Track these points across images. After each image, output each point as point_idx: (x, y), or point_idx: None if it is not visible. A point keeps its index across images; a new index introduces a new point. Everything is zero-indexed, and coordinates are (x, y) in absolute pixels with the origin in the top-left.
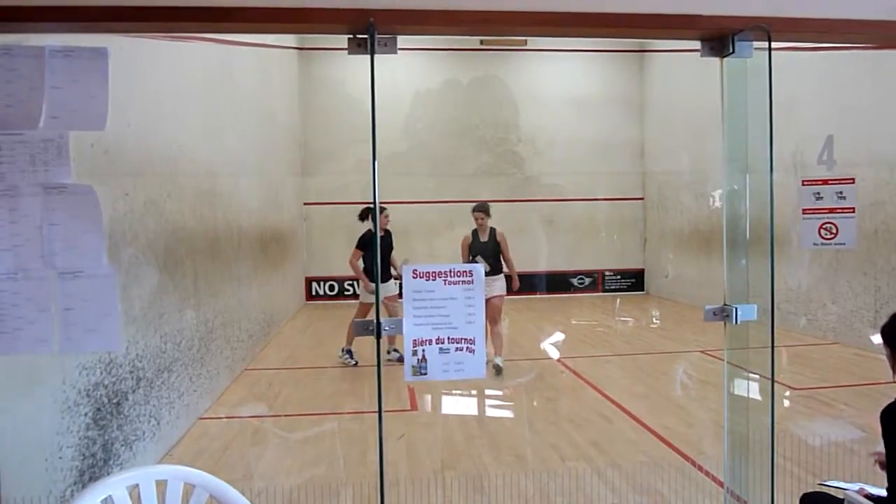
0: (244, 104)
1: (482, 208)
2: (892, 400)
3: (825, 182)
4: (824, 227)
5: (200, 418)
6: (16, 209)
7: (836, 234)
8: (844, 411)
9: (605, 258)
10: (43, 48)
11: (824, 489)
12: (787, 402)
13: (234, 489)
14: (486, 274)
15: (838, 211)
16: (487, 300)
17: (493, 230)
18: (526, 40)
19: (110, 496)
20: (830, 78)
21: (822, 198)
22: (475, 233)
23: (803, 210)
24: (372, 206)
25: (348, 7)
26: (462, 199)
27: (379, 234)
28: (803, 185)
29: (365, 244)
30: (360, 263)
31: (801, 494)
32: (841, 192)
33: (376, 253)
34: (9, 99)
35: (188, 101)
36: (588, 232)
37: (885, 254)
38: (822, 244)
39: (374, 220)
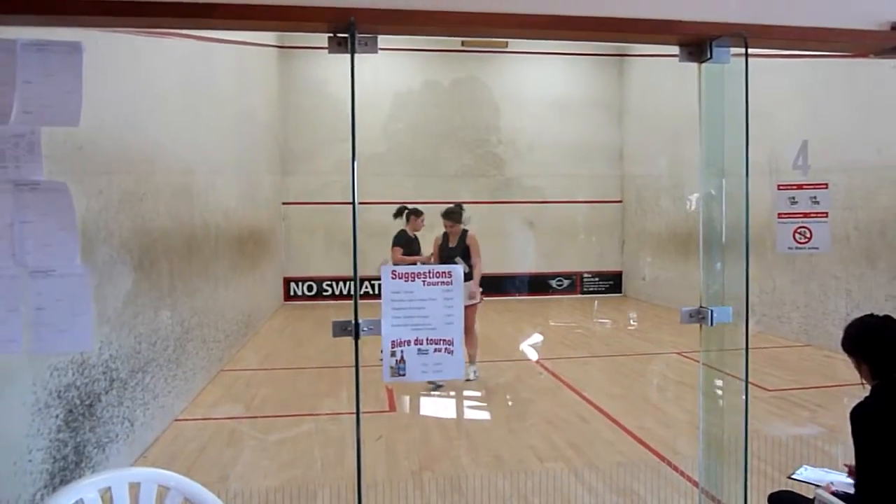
0: (223, 102)
1: (448, 215)
2: (861, 399)
3: (800, 187)
4: (798, 231)
5: (176, 420)
6: None
7: (810, 239)
8: (816, 412)
9: (584, 260)
10: (15, 41)
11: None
12: (760, 404)
13: (210, 492)
14: None
15: (812, 216)
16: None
17: (464, 233)
18: (507, 42)
19: (81, 499)
20: (805, 84)
21: (796, 202)
22: (445, 236)
23: (779, 214)
24: (406, 206)
25: (329, 5)
26: (442, 200)
27: (411, 236)
28: (779, 189)
29: (402, 242)
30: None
31: (768, 494)
32: (815, 197)
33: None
34: None
35: (166, 98)
36: (567, 234)
37: (856, 258)
38: (797, 248)
39: (354, 219)
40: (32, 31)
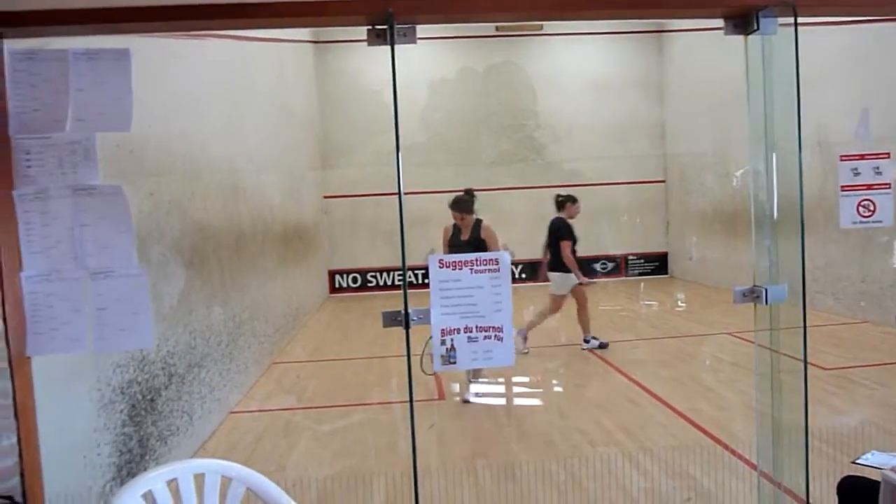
0: (262, 100)
1: (457, 205)
2: None
3: (862, 157)
4: (862, 203)
5: (231, 412)
6: (47, 212)
7: (874, 212)
8: (877, 390)
9: (628, 242)
10: (66, 51)
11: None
12: (817, 383)
13: (270, 480)
14: None
15: (875, 187)
16: None
17: (478, 223)
18: (542, 25)
19: (150, 490)
20: (854, 52)
21: (859, 173)
22: (456, 228)
23: (842, 187)
24: (563, 196)
25: None
26: (482, 187)
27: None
28: (841, 160)
29: (570, 234)
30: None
31: (838, 478)
32: (877, 168)
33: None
34: (35, 103)
35: (208, 99)
36: (610, 216)
37: None
38: (861, 222)
39: (400, 209)
40: (83, 40)
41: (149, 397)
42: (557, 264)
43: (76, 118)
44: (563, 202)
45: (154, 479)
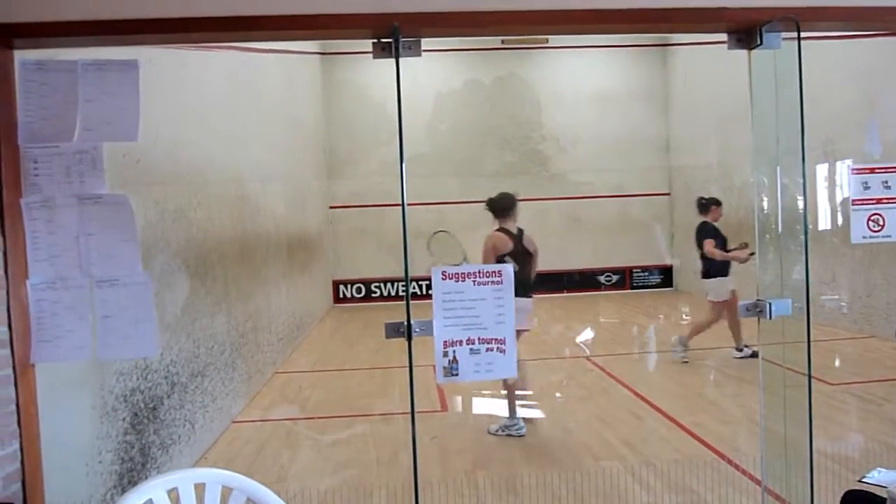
0: (269, 110)
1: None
2: None
3: (872, 171)
4: (872, 218)
5: (234, 421)
6: (53, 220)
7: (883, 227)
8: (883, 406)
9: (633, 255)
10: (75, 62)
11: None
12: (823, 398)
13: (271, 491)
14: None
15: (885, 201)
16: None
17: (520, 233)
18: (547, 38)
19: (151, 499)
20: (860, 66)
21: (869, 187)
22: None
23: (853, 201)
24: (707, 198)
25: (372, 12)
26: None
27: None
28: (852, 173)
29: (713, 233)
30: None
31: (843, 492)
32: (886, 182)
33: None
34: (44, 112)
35: (214, 110)
36: (615, 229)
37: None
38: (871, 237)
39: (403, 220)
40: (92, 51)
41: (151, 406)
42: (711, 270)
43: (84, 128)
44: (707, 205)
45: (154, 488)
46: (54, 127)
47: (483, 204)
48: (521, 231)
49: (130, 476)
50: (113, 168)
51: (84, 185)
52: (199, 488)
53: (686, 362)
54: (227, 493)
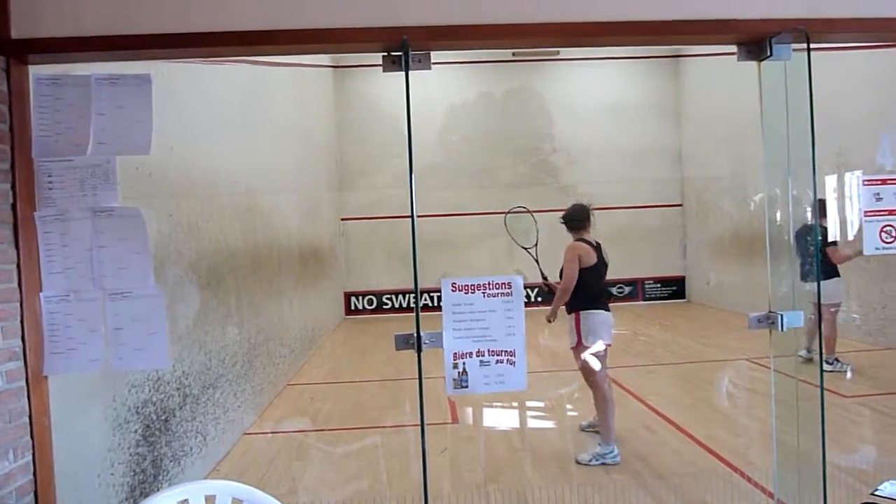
0: (281, 123)
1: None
2: None
3: (884, 182)
4: (884, 230)
5: (245, 433)
6: (67, 233)
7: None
8: None
9: (645, 266)
10: (89, 77)
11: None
12: (837, 411)
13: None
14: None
15: None
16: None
17: (599, 245)
18: (559, 50)
19: None
20: (872, 76)
21: (881, 198)
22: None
23: (865, 212)
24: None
25: (382, 26)
26: (498, 210)
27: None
28: (864, 185)
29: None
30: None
31: None
32: None
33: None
34: (58, 127)
35: (227, 123)
36: (627, 240)
37: None
38: (885, 248)
39: (413, 232)
40: (105, 66)
41: (163, 417)
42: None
43: (97, 142)
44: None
45: (166, 500)
46: (68, 141)
47: (494, 216)
48: (599, 244)
49: (142, 488)
50: (126, 181)
51: (97, 198)
52: (210, 500)
53: (846, 369)
54: None
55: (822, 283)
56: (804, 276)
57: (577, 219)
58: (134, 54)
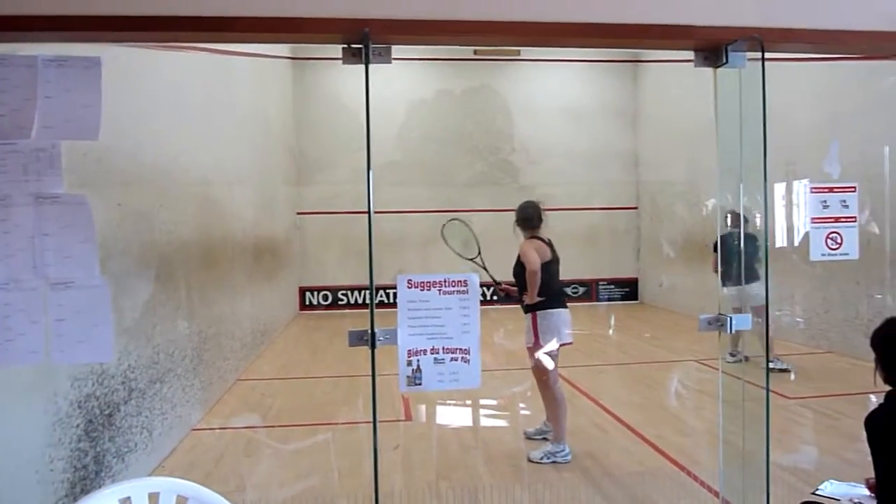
0: (239, 113)
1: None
2: (876, 407)
3: (830, 190)
4: (830, 237)
5: (193, 429)
6: (7, 219)
7: (840, 245)
8: (840, 420)
9: (599, 268)
10: (35, 57)
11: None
12: (781, 412)
13: (228, 501)
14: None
15: (842, 220)
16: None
17: (550, 242)
18: (519, 50)
19: None
20: (823, 88)
21: (828, 206)
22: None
23: (812, 219)
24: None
25: (343, 17)
26: (456, 208)
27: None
28: (812, 192)
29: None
30: None
31: None
32: (844, 201)
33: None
34: (1, 108)
35: (182, 111)
36: (582, 241)
37: (878, 263)
38: (830, 255)
39: (370, 228)
40: (53, 47)
41: (107, 412)
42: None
43: (43, 125)
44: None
45: (106, 498)
46: (11, 123)
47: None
48: (550, 241)
49: (83, 485)
50: (73, 167)
51: (41, 184)
52: (154, 498)
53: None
54: (182, 502)
55: (746, 286)
56: (724, 281)
57: (531, 217)
58: (83, 35)
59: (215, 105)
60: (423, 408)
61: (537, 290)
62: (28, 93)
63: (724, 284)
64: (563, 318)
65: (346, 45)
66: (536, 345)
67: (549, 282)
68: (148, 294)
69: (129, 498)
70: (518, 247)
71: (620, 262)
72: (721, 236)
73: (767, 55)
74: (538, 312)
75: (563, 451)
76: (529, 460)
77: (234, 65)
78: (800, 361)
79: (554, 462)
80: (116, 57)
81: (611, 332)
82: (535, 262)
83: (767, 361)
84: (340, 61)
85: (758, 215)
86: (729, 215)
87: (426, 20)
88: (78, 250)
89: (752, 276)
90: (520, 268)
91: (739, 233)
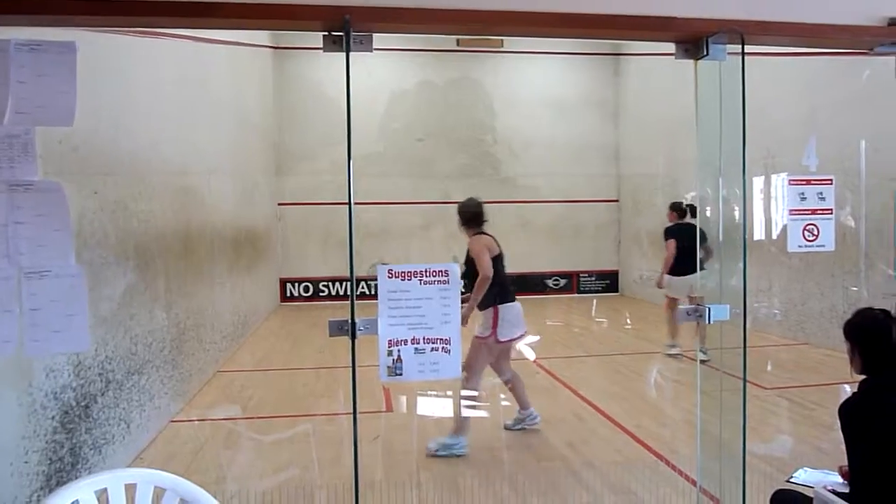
0: (218, 103)
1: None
2: (849, 395)
3: (808, 182)
4: (807, 228)
5: (172, 421)
6: None
7: (817, 236)
8: (815, 410)
9: (580, 259)
10: (8, 41)
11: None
12: (757, 402)
13: (207, 492)
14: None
15: (819, 212)
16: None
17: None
18: (502, 41)
19: (77, 500)
20: (802, 83)
21: (805, 198)
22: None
23: (790, 211)
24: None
25: (324, 4)
26: (438, 200)
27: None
28: (790, 184)
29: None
30: None
31: (772, 492)
32: (821, 193)
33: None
34: None
35: (161, 99)
36: (563, 233)
37: (853, 256)
38: (806, 247)
39: (350, 218)
40: (27, 31)
41: (83, 404)
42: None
43: (16, 111)
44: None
45: (83, 489)
46: None
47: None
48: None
49: (59, 477)
50: (48, 155)
51: (14, 171)
52: (131, 489)
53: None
54: (159, 493)
55: (689, 276)
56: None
57: (475, 214)
58: (58, 20)
59: (193, 94)
60: (403, 399)
61: (494, 286)
62: (0, 77)
63: (669, 273)
64: (519, 311)
65: (326, 33)
66: (491, 336)
67: (504, 274)
68: (125, 284)
69: (105, 489)
70: (467, 244)
71: (601, 255)
72: (665, 228)
73: (748, 49)
74: (500, 306)
75: (530, 415)
76: (505, 427)
77: (212, 54)
78: (776, 353)
79: (523, 429)
80: (92, 42)
81: (600, 320)
82: (488, 267)
83: (698, 351)
84: (321, 50)
85: (709, 208)
86: (672, 208)
87: (407, 7)
88: (52, 238)
89: (693, 268)
90: (471, 264)
91: (690, 225)
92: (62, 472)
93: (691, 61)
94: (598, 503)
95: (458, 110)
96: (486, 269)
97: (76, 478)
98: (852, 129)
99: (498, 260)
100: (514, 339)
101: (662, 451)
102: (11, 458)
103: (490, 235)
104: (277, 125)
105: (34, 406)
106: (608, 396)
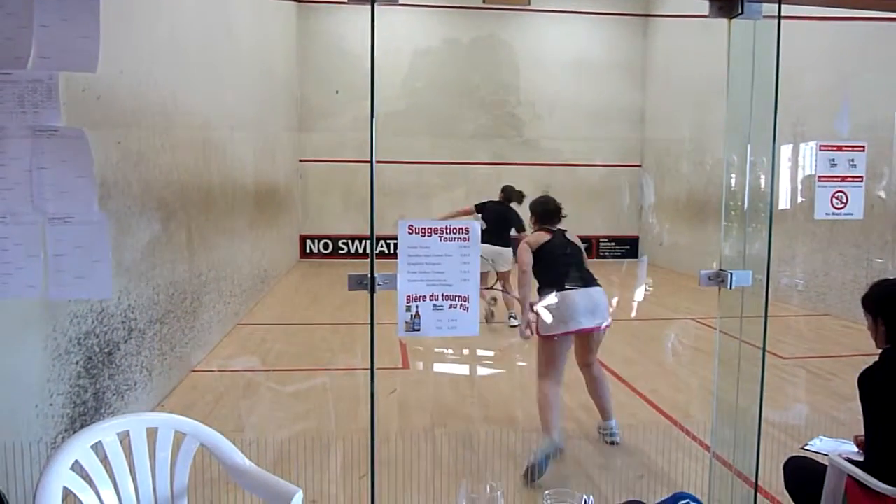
0: (241, 57)
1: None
2: (869, 365)
3: (839, 148)
4: (836, 196)
5: (193, 370)
6: (4, 152)
7: (846, 204)
8: (831, 381)
9: (601, 225)
10: None
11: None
12: (775, 371)
13: (226, 438)
14: None
15: (849, 179)
16: None
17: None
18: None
19: (100, 441)
20: (833, 50)
21: (836, 165)
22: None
23: (819, 177)
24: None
25: None
26: (459, 160)
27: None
28: (821, 150)
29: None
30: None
31: (785, 459)
32: (853, 160)
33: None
34: None
35: (185, 52)
36: (584, 197)
37: (879, 228)
38: (834, 214)
39: (371, 175)
40: None
41: (107, 350)
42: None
43: (39, 55)
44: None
45: (105, 431)
46: (7, 53)
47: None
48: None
49: (83, 420)
50: (71, 102)
51: (38, 117)
52: (152, 433)
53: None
54: (180, 438)
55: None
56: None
57: (540, 211)
58: None
59: (217, 47)
60: (420, 356)
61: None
62: (24, 21)
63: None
64: (567, 302)
65: None
66: (537, 332)
67: (547, 262)
68: (148, 235)
69: (127, 432)
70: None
71: (622, 220)
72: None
73: (784, 12)
74: (539, 298)
75: (551, 446)
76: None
77: (236, 7)
78: (796, 323)
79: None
80: None
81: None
82: (522, 263)
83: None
84: (344, 6)
85: (734, 175)
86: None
87: None
88: (76, 185)
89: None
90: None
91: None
92: (86, 415)
93: (724, 21)
94: (612, 466)
95: (483, 69)
96: (519, 264)
97: (99, 421)
98: (884, 99)
99: (543, 250)
100: (561, 334)
101: (677, 416)
102: (37, 401)
103: (552, 231)
104: (300, 81)
105: (59, 350)
106: (624, 361)
